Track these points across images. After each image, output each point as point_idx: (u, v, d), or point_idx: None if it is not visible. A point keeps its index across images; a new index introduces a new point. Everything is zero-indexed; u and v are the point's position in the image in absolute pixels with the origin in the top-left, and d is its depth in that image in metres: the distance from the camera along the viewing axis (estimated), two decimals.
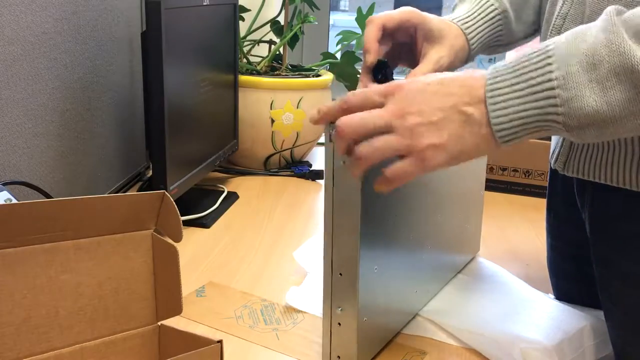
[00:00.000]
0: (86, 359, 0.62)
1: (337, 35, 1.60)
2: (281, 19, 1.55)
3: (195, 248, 1.06)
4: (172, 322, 0.67)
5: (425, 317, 0.84)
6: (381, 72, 0.75)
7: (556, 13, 0.74)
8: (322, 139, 1.66)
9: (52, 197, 0.95)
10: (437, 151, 0.59)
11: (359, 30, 1.58)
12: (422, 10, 0.79)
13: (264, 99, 1.43)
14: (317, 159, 1.60)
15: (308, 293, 0.89)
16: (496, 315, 0.82)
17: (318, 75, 1.53)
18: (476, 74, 0.61)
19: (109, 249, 0.63)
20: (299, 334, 0.81)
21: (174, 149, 1.08)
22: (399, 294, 0.79)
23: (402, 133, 0.59)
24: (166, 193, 0.64)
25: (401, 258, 0.78)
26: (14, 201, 0.80)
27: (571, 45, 0.57)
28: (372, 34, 0.76)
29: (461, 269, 0.98)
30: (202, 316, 0.84)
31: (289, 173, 1.49)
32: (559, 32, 0.72)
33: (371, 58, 0.76)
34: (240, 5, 1.46)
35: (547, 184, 0.95)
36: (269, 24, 1.57)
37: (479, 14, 0.82)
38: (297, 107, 1.44)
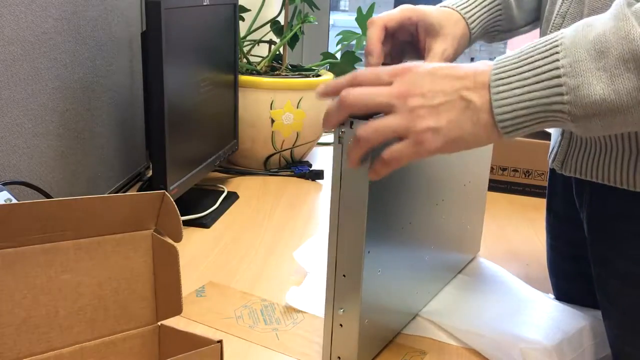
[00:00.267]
0: (86, 359, 0.62)
1: (337, 35, 1.60)
2: (281, 19, 1.55)
3: (195, 248, 1.06)
4: (172, 322, 0.67)
5: (426, 317, 0.84)
6: None
7: (555, 12, 0.75)
8: (322, 139, 1.67)
9: (52, 197, 0.95)
10: (434, 135, 0.58)
11: (359, 30, 1.58)
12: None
13: (264, 99, 1.43)
14: (317, 159, 1.60)
15: (308, 293, 0.89)
16: (496, 315, 0.82)
17: (318, 75, 1.53)
18: (485, 63, 0.60)
19: (109, 249, 0.63)
20: (299, 334, 0.81)
21: (174, 149, 1.08)
22: (400, 295, 0.79)
23: (402, 114, 0.59)
24: (166, 193, 0.64)
25: (405, 260, 0.78)
26: (14, 201, 0.80)
27: (579, 34, 0.56)
28: (374, 35, 0.76)
29: (461, 269, 0.98)
30: (202, 316, 0.84)
31: (289, 173, 1.49)
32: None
33: (374, 60, 0.76)
34: (240, 5, 1.46)
35: (547, 184, 0.95)
36: (269, 24, 1.57)
37: None
38: (297, 107, 1.44)
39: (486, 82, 0.58)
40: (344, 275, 0.70)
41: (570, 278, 0.92)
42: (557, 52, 0.56)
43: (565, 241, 0.92)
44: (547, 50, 0.57)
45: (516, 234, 1.20)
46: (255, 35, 1.56)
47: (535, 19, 0.88)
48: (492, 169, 1.42)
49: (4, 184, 0.83)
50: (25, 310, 0.57)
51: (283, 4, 1.51)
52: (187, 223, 1.14)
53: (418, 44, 0.80)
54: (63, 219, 0.58)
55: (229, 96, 1.38)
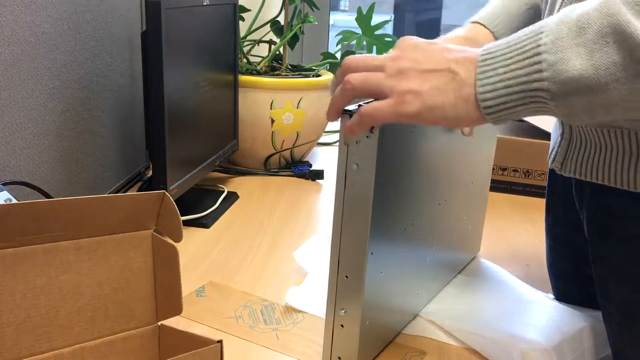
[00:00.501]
0: (86, 359, 0.62)
1: (337, 35, 1.60)
2: (281, 19, 1.55)
3: (195, 248, 1.06)
4: (172, 322, 0.67)
5: (426, 317, 0.84)
6: None
7: (555, 12, 0.75)
8: (322, 139, 1.67)
9: (52, 197, 0.95)
10: (415, 98, 0.59)
11: (359, 30, 1.58)
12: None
13: (264, 99, 1.43)
14: (317, 159, 1.60)
15: (308, 293, 0.89)
16: (496, 316, 0.82)
17: (318, 75, 1.53)
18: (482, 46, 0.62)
19: (109, 249, 0.63)
20: (299, 334, 0.81)
21: (174, 149, 1.08)
22: (401, 296, 0.79)
23: (390, 72, 0.61)
24: (166, 193, 0.64)
25: (406, 261, 0.78)
26: (14, 201, 0.80)
27: (564, 14, 0.56)
28: None
29: (461, 269, 0.98)
30: (202, 316, 0.84)
31: (289, 173, 1.49)
32: None
33: None
34: (240, 5, 1.46)
35: (547, 184, 0.95)
36: (269, 24, 1.57)
37: (508, 9, 0.84)
38: (297, 107, 1.44)
39: (475, 58, 0.59)
40: (346, 277, 0.70)
41: (570, 279, 0.92)
42: (541, 32, 0.56)
43: (565, 242, 0.92)
44: (533, 32, 0.57)
45: (516, 234, 1.20)
46: (255, 35, 1.56)
47: None
48: (492, 168, 1.42)
49: (4, 184, 0.83)
50: (25, 310, 0.57)
51: (283, 4, 1.51)
52: (187, 223, 1.13)
53: None
54: (63, 219, 0.58)
55: (229, 96, 1.38)
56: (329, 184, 1.43)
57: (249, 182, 1.42)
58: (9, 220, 0.55)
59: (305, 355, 0.77)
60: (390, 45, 1.56)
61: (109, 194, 1.21)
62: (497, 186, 1.41)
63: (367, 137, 0.64)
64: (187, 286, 0.89)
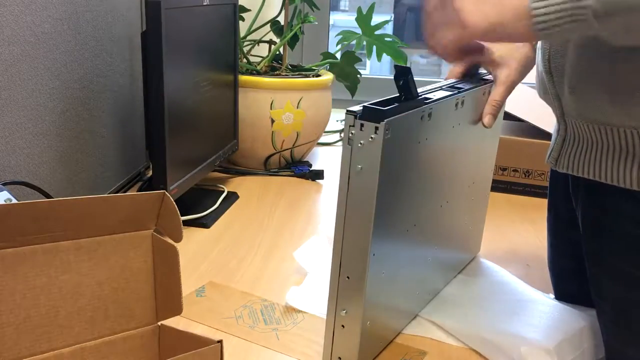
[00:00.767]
0: (86, 359, 0.62)
1: (337, 35, 1.60)
2: (281, 19, 1.55)
3: (195, 248, 1.06)
4: (172, 322, 0.67)
5: (426, 317, 0.84)
6: (403, 79, 0.76)
7: None
8: (322, 139, 1.67)
9: (52, 197, 0.95)
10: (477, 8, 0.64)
11: (359, 30, 1.58)
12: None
13: (264, 99, 1.43)
14: (317, 159, 1.60)
15: (308, 293, 0.89)
16: (496, 316, 0.82)
17: (318, 75, 1.53)
18: None
19: (109, 249, 0.63)
20: (299, 334, 0.81)
21: (174, 149, 1.08)
22: (402, 296, 0.79)
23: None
24: (166, 193, 0.64)
25: (408, 261, 0.78)
26: (14, 201, 0.80)
27: None
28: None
29: (462, 269, 0.98)
30: (202, 316, 0.84)
31: (289, 173, 1.49)
32: None
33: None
34: (240, 5, 1.46)
35: (547, 184, 0.96)
36: (269, 24, 1.57)
37: None
38: (297, 107, 1.44)
39: None
40: (347, 277, 0.70)
41: (570, 278, 0.92)
42: None
43: (566, 240, 0.92)
44: None
45: (516, 234, 1.20)
46: (255, 35, 1.56)
47: None
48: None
49: (4, 184, 0.83)
50: (25, 310, 0.57)
51: (283, 4, 1.51)
52: (187, 223, 1.13)
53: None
54: (63, 219, 0.58)
55: (228, 96, 1.38)
56: (329, 184, 1.43)
57: (249, 182, 1.42)
58: (9, 220, 0.55)
59: (305, 355, 0.77)
60: (391, 45, 1.56)
61: (109, 194, 1.21)
62: (497, 186, 1.41)
63: (371, 139, 0.64)
64: (187, 286, 0.89)
